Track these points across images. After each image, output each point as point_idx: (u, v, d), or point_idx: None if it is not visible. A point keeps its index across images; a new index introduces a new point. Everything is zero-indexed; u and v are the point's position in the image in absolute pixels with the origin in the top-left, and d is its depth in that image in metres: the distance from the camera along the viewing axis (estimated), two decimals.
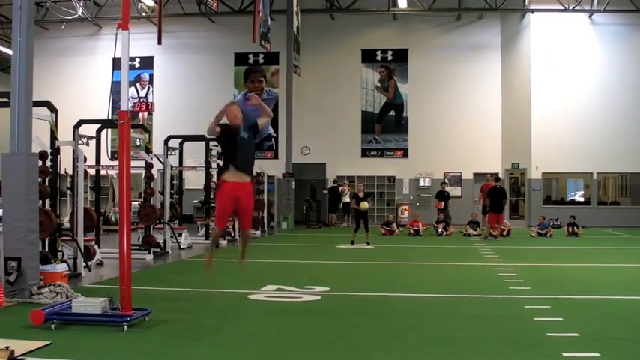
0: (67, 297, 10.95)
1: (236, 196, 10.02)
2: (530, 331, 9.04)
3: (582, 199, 35.06)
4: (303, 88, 34.85)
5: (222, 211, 10.31)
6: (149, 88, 37.17)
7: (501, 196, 26.54)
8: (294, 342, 8.59)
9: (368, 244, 23.02)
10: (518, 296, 12.07)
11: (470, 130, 34.78)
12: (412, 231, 28.10)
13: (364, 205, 23.09)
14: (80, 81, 36.71)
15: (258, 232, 28.04)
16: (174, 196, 24.08)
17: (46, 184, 14.19)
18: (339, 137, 35.60)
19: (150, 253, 18.75)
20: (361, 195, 23.44)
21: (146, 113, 35.60)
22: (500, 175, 32.46)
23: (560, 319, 9.83)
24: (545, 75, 32.86)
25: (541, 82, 32.82)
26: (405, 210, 34.37)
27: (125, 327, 8.95)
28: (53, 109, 14.00)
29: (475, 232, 27.58)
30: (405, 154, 35.67)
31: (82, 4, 32.70)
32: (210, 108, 36.94)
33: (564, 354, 7.77)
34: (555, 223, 29.78)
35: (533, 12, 33.11)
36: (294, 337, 8.89)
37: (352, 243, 23.01)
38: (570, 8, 32.41)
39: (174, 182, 26.65)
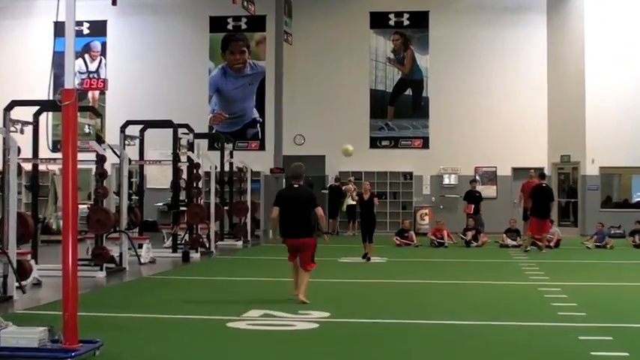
0: None
1: None
2: None
3: None
4: (297, 61, 34.79)
5: None
6: (101, 60, 37.07)
7: (547, 197, 26.42)
8: None
9: (368, 259, 22.65)
10: (570, 324, 12.00)
11: (507, 113, 34.70)
12: (434, 241, 28.02)
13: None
14: (13, 50, 36.59)
15: (240, 243, 28.02)
16: (134, 197, 24.03)
17: None
18: (341, 123, 35.50)
19: (102, 269, 18.62)
20: (366, 196, 23.22)
21: (97, 92, 35.50)
22: (545, 171, 32.44)
23: (625, 354, 9.76)
24: (603, 43, 32.67)
25: (598, 52, 32.65)
26: (426, 215, 34.28)
27: None
28: None
29: (514, 243, 27.48)
30: (425, 144, 35.65)
31: None
32: (180, 86, 37.37)
33: None
34: (617, 231, 29.70)
35: None
36: None
37: (367, 258, 22.88)
38: None
39: (134, 180, 26.61)
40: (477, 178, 33.45)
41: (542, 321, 12.44)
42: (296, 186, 14.89)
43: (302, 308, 13.15)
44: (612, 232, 29.02)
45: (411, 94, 35.94)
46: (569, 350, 10.14)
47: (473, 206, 29.50)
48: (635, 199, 35.43)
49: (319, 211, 15.17)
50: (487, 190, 33.65)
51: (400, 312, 13.51)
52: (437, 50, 35.59)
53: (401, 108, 35.88)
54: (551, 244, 26.89)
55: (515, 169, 34.19)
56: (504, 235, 28.17)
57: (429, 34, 35.70)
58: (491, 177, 34.98)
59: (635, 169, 34.22)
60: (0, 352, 9.12)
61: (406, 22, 35.92)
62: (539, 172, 28.23)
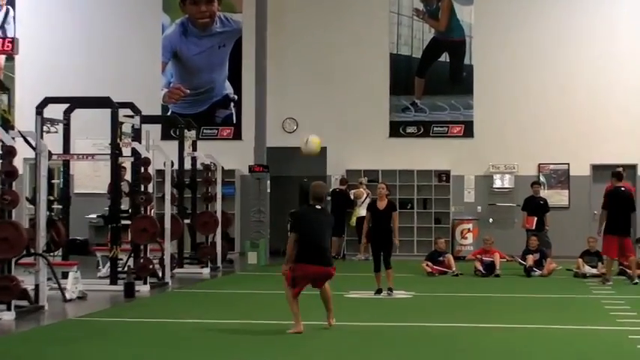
0: None
1: None
2: None
3: None
4: (286, 14, 34.90)
5: None
6: (8, 11, 37.05)
7: (628, 205, 26.25)
8: None
9: (390, 291, 22.74)
10: None
11: (586, 90, 34.71)
12: (481, 268, 27.96)
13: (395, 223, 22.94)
14: None
15: (206, 271, 28.00)
16: (56, 206, 23.91)
17: None
18: (349, 102, 35.55)
19: (9, 309, 18.54)
20: (383, 204, 23.00)
21: (3, 57, 35.43)
22: None
23: None
24: None
25: None
26: (469, 232, 34.33)
27: None
28: None
29: (594, 271, 27.41)
30: (469, 132, 35.75)
31: None
32: (121, 50, 37.36)
33: None
34: None
35: None
36: None
37: (379, 292, 22.76)
38: None
39: (56, 182, 26.49)
40: (542, 179, 33.47)
41: None
42: (318, 207, 16.77)
43: None
44: None
45: (447, 60, 35.96)
46: None
47: (535, 219, 29.52)
48: None
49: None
50: (556, 197, 33.65)
51: None
52: (485, 0, 35.59)
53: (434, 81, 35.97)
54: None
55: (595, 167, 34.16)
56: (580, 259, 28.09)
57: None
58: (561, 178, 34.95)
59: None
60: None
61: None
62: (614, 171, 27.97)
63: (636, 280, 25.41)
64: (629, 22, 34.72)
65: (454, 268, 28.33)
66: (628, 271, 25.98)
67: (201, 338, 16.75)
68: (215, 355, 13.93)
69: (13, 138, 19.30)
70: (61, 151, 24.30)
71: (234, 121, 36.18)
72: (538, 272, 27.74)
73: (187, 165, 29.42)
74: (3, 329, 17.36)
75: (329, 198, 34.43)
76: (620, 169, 29.46)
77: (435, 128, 35.82)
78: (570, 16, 34.84)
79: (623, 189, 26.50)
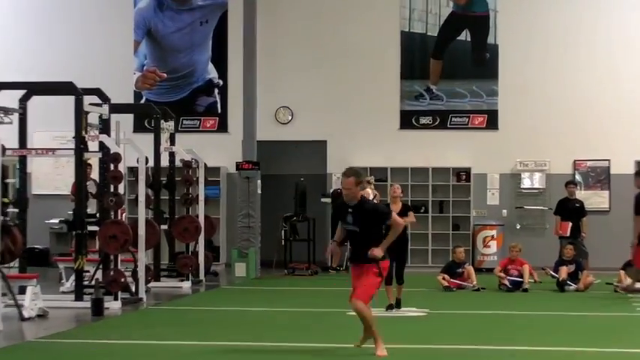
0: None
1: None
2: None
3: None
4: None
5: None
6: None
7: None
8: None
9: (397, 305, 23.05)
10: None
11: (628, 76, 34.78)
12: (507, 282, 28.08)
13: (410, 218, 23.05)
14: None
15: (187, 285, 28.14)
16: (11, 209, 24.05)
17: None
18: (354, 88, 35.67)
19: None
20: (396, 207, 23.19)
21: None
22: None
23: None
24: None
25: None
26: (492, 239, 34.43)
27: None
28: None
29: (639, 285, 27.54)
30: (493, 123, 35.85)
31: None
32: (87, 26, 37.52)
33: None
34: None
35: None
36: None
37: (390, 307, 22.89)
38: None
39: (11, 181, 26.62)
40: (578, 178, 33.59)
41: None
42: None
43: None
44: None
45: (469, 39, 36.07)
46: None
47: (570, 225, 29.60)
48: None
49: None
50: (594, 199, 33.76)
51: None
52: None
53: (453, 63, 36.06)
54: None
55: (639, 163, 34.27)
56: (622, 272, 28.20)
57: None
58: (601, 177, 35.06)
59: None
60: None
61: None
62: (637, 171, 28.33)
63: None
64: None
65: (475, 282, 28.41)
66: None
67: None
68: None
69: None
70: (17, 146, 24.43)
71: (219, 111, 36.28)
72: (573, 286, 27.84)
73: (165, 162, 29.49)
74: None
75: (329, 200, 34.62)
76: None
77: (453, 119, 35.94)
78: None
79: None
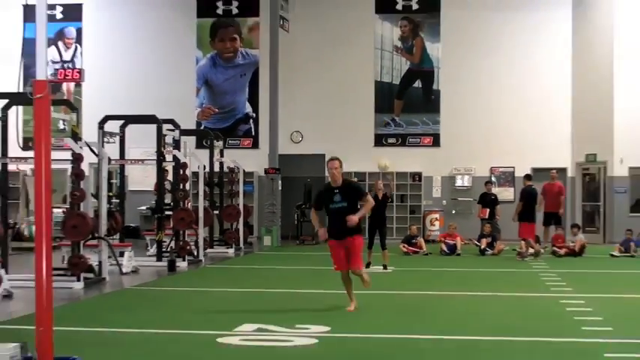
0: None
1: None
2: None
3: None
4: (294, 50, 34.80)
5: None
6: (76, 48, 37.08)
7: (534, 200, 27.60)
8: None
9: (384, 267, 22.96)
10: (596, 340, 12.01)
11: (527, 108, 34.74)
12: (445, 249, 28.07)
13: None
14: None
15: (232, 251, 28.08)
16: (114, 200, 24.03)
17: None
18: (343, 118, 35.59)
19: (79, 280, 18.65)
20: (380, 195, 23.29)
21: (73, 84, 35.50)
22: (569, 171, 33.28)
23: None
24: (634, 34, 32.77)
25: (628, 43, 32.72)
26: (436, 220, 34.35)
27: None
28: None
29: (533, 251, 27.44)
30: (436, 142, 35.70)
31: None
32: (164, 77, 37.32)
33: None
34: None
35: None
36: None
37: (368, 265, 22.82)
38: None
39: (114, 181, 26.62)
40: (493, 179, 33.55)
41: (564, 337, 12.45)
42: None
43: (300, 322, 13.13)
44: None
45: (420, 86, 36.01)
46: None
47: (488, 210, 29.54)
48: None
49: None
50: (504, 193, 33.71)
51: (407, 327, 13.51)
52: (449, 38, 35.64)
53: (409, 102, 35.95)
54: (576, 249, 27.11)
55: (535, 170, 34.10)
56: (522, 242, 28.17)
57: (441, 20, 35.74)
58: (508, 178, 35.01)
59: None
60: None
61: (415, 7, 35.92)
62: (526, 174, 28.61)
63: (527, 259, 26.25)
64: (564, 61, 34.85)
65: (424, 249, 28.35)
66: (559, 251, 26.43)
67: (226, 299, 16.94)
68: (235, 310, 14.03)
69: (81, 147, 19.44)
70: (118, 157, 24.44)
71: (253, 134, 36.20)
72: (490, 252, 27.78)
73: (216, 168, 29.51)
74: (74, 296, 17.48)
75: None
76: (554, 171, 29.78)
77: (409, 139, 35.82)
78: (516, 51, 34.90)
79: (532, 187, 27.65)
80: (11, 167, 20.88)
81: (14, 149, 18.89)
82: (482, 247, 28.01)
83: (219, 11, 36.60)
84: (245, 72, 36.41)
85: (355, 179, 33.67)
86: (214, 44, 36.58)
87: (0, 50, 34.43)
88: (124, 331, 13.10)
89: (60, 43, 36.94)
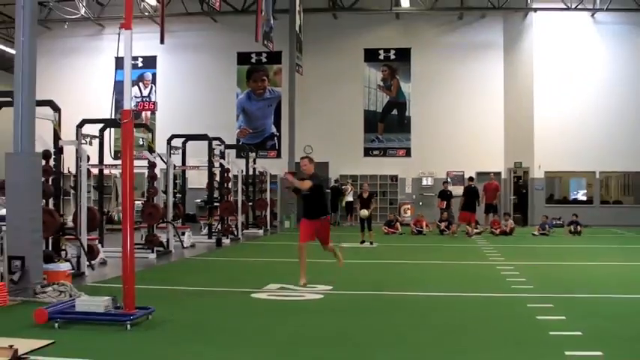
0: (71, 296, 10.95)
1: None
2: (533, 330, 9.04)
3: (585, 198, 35.01)
4: (306, 87, 34.76)
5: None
6: (152, 87, 37.16)
7: (475, 195, 27.57)
8: (297, 341, 8.59)
9: (371, 243, 22.98)
10: (521, 295, 12.05)
11: (473, 128, 34.75)
12: (415, 230, 28.08)
13: (363, 213, 23.17)
14: (83, 80, 36.74)
15: (261, 231, 28.09)
16: (177, 195, 24.11)
17: (50, 183, 14.20)
18: (341, 136, 35.61)
19: (153, 252, 18.71)
20: (365, 195, 23.45)
21: (149, 112, 35.50)
22: (502, 175, 33.50)
23: (563, 317, 9.82)
24: (547, 74, 32.83)
25: (544, 81, 32.79)
26: (408, 209, 34.27)
27: (128, 326, 8.94)
28: (56, 109, 14.01)
29: (477, 231, 27.52)
30: (408, 153, 35.66)
31: (84, 4, 32.67)
32: (213, 107, 37.35)
33: (567, 352, 7.75)
34: (557, 222, 29.82)
35: (535, 11, 33.09)
36: (296, 335, 8.88)
37: (362, 242, 23.00)
38: (573, 7, 32.44)
39: (178, 181, 26.69)
40: (449, 180, 33.43)
41: (499, 293, 12.50)
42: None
43: (310, 283, 13.17)
44: (554, 222, 29.15)
45: (397, 113, 35.95)
46: (519, 315, 10.21)
47: (445, 202, 29.52)
48: (572, 197, 35.79)
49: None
50: (456, 190, 33.54)
51: (389, 285, 13.56)
52: (417, 79, 35.59)
53: (389, 124, 35.88)
54: (507, 230, 27.22)
55: (478, 173, 34.10)
56: (467, 226, 28.19)
57: (411, 66, 35.70)
58: (459, 179, 34.90)
59: (573, 172, 34.47)
60: (75, 315, 9.24)
61: (393, 57, 35.91)
62: (469, 177, 28.94)
63: (473, 236, 26.42)
64: (498, 95, 34.90)
65: (400, 230, 28.38)
66: (496, 231, 26.60)
67: (257, 266, 16.97)
68: (264, 274, 14.11)
69: (155, 157, 19.50)
70: (181, 164, 24.48)
71: (277, 147, 36.20)
72: (447, 232, 27.78)
73: (250, 172, 29.45)
74: (149, 264, 17.50)
75: (329, 190, 34.62)
76: (492, 174, 29.94)
77: (389, 151, 35.77)
78: (464, 88, 34.86)
79: (473, 186, 27.89)
80: (106, 172, 20.95)
81: (108, 158, 18.96)
82: (442, 228, 28.00)
83: (253, 60, 36.60)
84: (271, 103, 36.42)
85: (350, 180, 33.88)
86: (249, 84, 36.58)
87: (99, 89, 34.53)
88: (184, 289, 13.16)
89: (140, 84, 36.97)
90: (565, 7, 32.50)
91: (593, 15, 32.99)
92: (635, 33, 32.98)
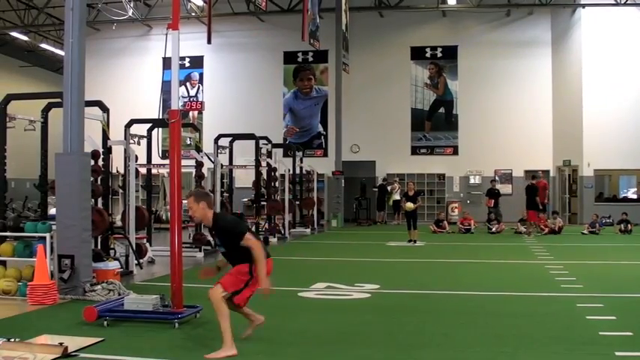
0: (119, 294, 11.06)
1: None
2: (583, 330, 8.93)
3: (635, 196, 34.52)
4: (353, 86, 34.75)
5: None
6: (199, 87, 37.40)
7: (533, 193, 26.91)
8: (345, 340, 8.58)
9: (414, 242, 22.92)
10: (570, 294, 11.92)
11: (520, 126, 34.43)
12: (463, 229, 27.92)
13: (409, 205, 23.08)
14: (131, 81, 37.14)
15: (308, 230, 28.11)
16: (225, 194, 24.17)
17: (99, 182, 14.34)
18: (388, 135, 35.51)
19: (200, 250, 18.84)
20: (411, 193, 23.39)
21: (196, 112, 35.74)
22: (551, 172, 32.89)
23: (613, 317, 9.69)
24: (596, 70, 32.38)
25: (593, 77, 32.35)
26: (456, 207, 34.07)
27: (176, 324, 9.02)
28: (105, 109, 14.16)
29: (525, 230, 27.28)
30: (455, 152, 35.47)
31: (132, 5, 32.97)
32: (260, 106, 37.48)
33: (617, 353, 7.64)
34: (607, 220, 29.47)
35: (584, 7, 32.63)
36: (344, 334, 8.87)
37: (409, 241, 22.91)
38: (622, 2, 31.94)
39: (225, 180, 26.79)
40: (497, 178, 33.18)
41: (548, 292, 12.36)
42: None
43: (357, 281, 13.17)
44: (604, 221, 28.81)
45: (444, 111, 35.76)
46: (569, 315, 10.09)
47: (493, 201, 29.30)
48: (622, 195, 35.35)
49: None
50: (504, 188, 33.37)
51: (436, 284, 13.52)
52: (465, 77, 35.37)
53: (436, 123, 35.71)
54: (556, 229, 26.88)
55: (526, 171, 33.81)
56: (518, 223, 27.99)
57: (458, 64, 35.48)
58: (507, 177, 34.66)
59: (622, 170, 33.89)
60: (124, 313, 9.34)
61: (440, 55, 35.72)
62: (532, 175, 28.69)
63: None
64: (546, 92, 34.55)
65: (448, 229, 28.23)
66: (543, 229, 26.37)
67: (304, 265, 16.99)
68: (311, 273, 14.13)
69: (202, 157, 19.61)
70: (228, 163, 24.55)
71: (323, 146, 36.21)
72: (495, 231, 27.67)
73: (297, 171, 29.48)
74: (196, 262, 17.59)
75: (375, 189, 34.66)
76: (539, 172, 29.64)
77: (436, 150, 35.63)
78: (512, 86, 34.60)
79: (532, 183, 27.39)
80: (154, 171, 21.13)
81: (156, 158, 19.12)
82: (491, 227, 27.82)
83: (300, 59, 36.63)
84: (318, 102, 36.43)
85: (397, 179, 33.84)
86: (296, 83, 36.65)
87: (147, 89, 34.88)
88: None
89: (188, 84, 37.22)
90: (614, 2, 32.03)
91: None
92: None
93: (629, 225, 27.13)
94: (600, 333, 8.65)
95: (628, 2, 31.92)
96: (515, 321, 9.68)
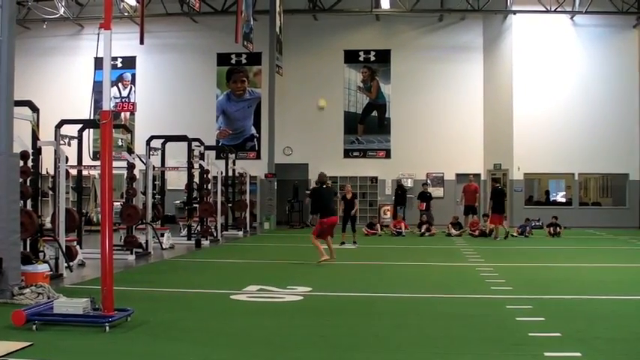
0: (49, 298, 10.89)
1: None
2: (512, 331, 9.07)
3: (564, 200, 35.22)
4: (286, 89, 34.77)
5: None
6: (131, 88, 36.98)
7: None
8: (277, 342, 8.58)
9: (354, 243, 23.04)
10: (500, 296, 12.10)
11: (452, 130, 34.86)
12: (395, 231, 28.12)
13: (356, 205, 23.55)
14: (62, 81, 36.55)
15: (241, 233, 28.02)
16: (157, 196, 23.98)
17: (28, 184, 14.10)
18: (321, 138, 35.61)
19: (132, 253, 18.66)
20: (349, 196, 23.53)
21: (128, 113, 35.39)
22: (482, 176, 33.44)
23: (542, 319, 9.86)
24: (527, 76, 33.02)
25: (523, 82, 32.98)
26: (388, 210, 34.30)
27: (107, 328, 8.90)
28: (35, 109, 13.93)
29: (456, 233, 27.64)
30: (388, 155, 35.70)
31: (63, 4, 32.56)
32: (193, 108, 37.25)
33: (546, 354, 7.79)
34: (537, 223, 29.99)
35: (515, 13, 33.26)
36: (276, 337, 8.87)
37: (342, 244, 22.87)
38: (552, 9, 32.60)
39: (157, 182, 26.55)
40: (428, 181, 33.57)
41: (478, 294, 12.54)
42: (324, 186, 18.75)
43: (290, 284, 13.18)
44: (534, 224, 29.32)
45: (376, 115, 35.98)
46: (499, 317, 10.24)
47: (425, 204, 29.65)
48: (552, 199, 35.97)
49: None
50: (436, 191, 33.78)
51: (368, 287, 13.57)
52: (397, 81, 35.66)
53: (369, 126, 35.92)
54: (487, 231, 27.20)
55: (458, 175, 34.32)
56: (449, 226, 28.32)
57: (391, 68, 35.76)
58: (439, 181, 35.07)
59: (551, 174, 34.74)
60: (53, 317, 9.19)
61: (373, 58, 35.96)
62: (494, 178, 29.06)
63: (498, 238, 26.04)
64: (478, 97, 34.98)
65: (380, 232, 28.47)
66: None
67: (237, 268, 16.94)
68: (243, 275, 14.10)
69: (134, 158, 19.44)
70: (160, 165, 24.37)
71: (256, 149, 36.11)
72: (427, 234, 27.88)
73: (230, 173, 29.40)
74: (128, 265, 17.45)
75: (308, 192, 34.62)
76: (471, 176, 30.13)
77: (369, 153, 35.80)
78: (444, 90, 34.94)
79: (499, 187, 27.88)
80: (84, 172, 20.85)
81: (86, 159, 18.86)
82: (422, 231, 28.04)
83: (233, 61, 36.50)
84: (251, 104, 36.33)
85: (330, 182, 33.87)
86: (229, 85, 36.50)
87: (78, 89, 34.33)
88: (163, 290, 13.14)
89: (120, 84, 36.76)
90: (544, 9, 32.68)
91: (572, 18, 33.21)
92: (613, 35, 33.29)
93: (558, 228, 27.66)
94: (530, 334, 8.79)
95: (558, 9, 32.59)
96: (447, 322, 9.79)
